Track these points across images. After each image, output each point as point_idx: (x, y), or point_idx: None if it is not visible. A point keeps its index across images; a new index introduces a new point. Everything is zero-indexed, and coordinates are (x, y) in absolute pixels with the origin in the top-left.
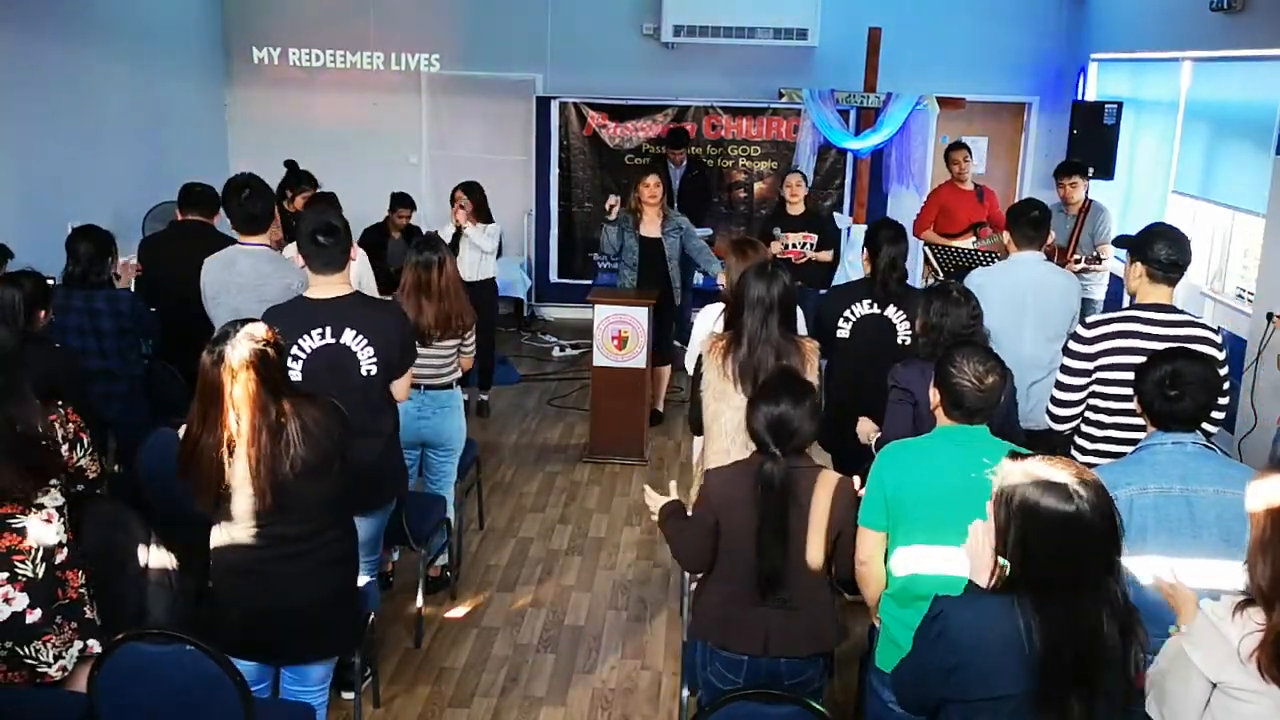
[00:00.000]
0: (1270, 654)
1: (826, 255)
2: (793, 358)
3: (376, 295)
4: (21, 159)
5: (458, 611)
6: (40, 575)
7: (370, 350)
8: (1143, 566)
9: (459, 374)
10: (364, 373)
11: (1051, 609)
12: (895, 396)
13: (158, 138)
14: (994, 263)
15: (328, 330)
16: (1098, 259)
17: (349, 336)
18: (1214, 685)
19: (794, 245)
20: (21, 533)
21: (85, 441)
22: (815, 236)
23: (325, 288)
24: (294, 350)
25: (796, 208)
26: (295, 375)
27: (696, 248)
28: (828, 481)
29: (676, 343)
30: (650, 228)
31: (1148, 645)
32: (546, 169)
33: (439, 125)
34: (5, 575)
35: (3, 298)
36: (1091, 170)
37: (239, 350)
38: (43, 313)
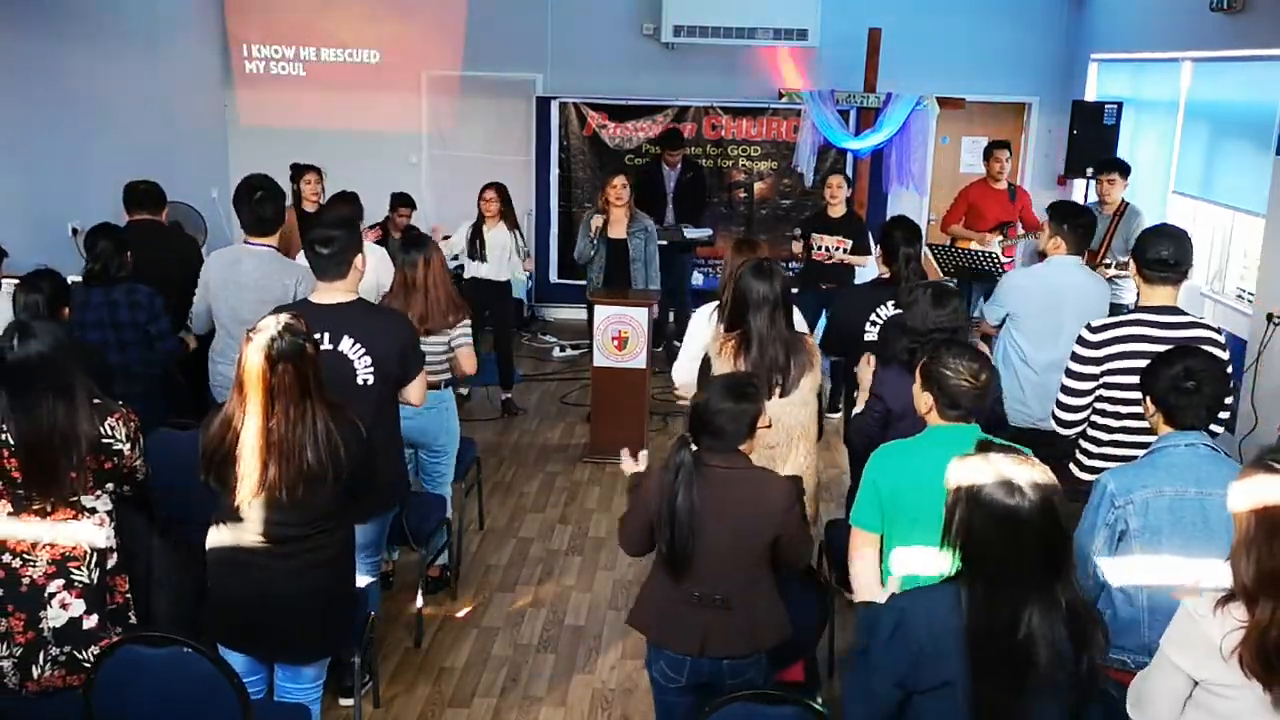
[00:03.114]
0: (1253, 650)
1: (862, 260)
2: (800, 351)
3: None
4: (22, 159)
5: (458, 611)
6: (95, 580)
7: (368, 360)
8: (1157, 567)
9: (448, 375)
10: (360, 382)
11: (981, 598)
12: (869, 402)
13: (158, 138)
14: (998, 267)
15: (326, 337)
16: (1128, 264)
17: (346, 345)
18: (1195, 683)
19: (824, 249)
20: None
21: (142, 441)
22: (849, 242)
23: (328, 294)
24: None
25: (837, 210)
26: None
27: (649, 255)
28: (772, 483)
29: (677, 342)
30: (617, 229)
31: (1105, 651)
32: (546, 169)
33: (439, 125)
34: (62, 581)
35: (27, 302)
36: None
37: (279, 341)
38: (66, 310)
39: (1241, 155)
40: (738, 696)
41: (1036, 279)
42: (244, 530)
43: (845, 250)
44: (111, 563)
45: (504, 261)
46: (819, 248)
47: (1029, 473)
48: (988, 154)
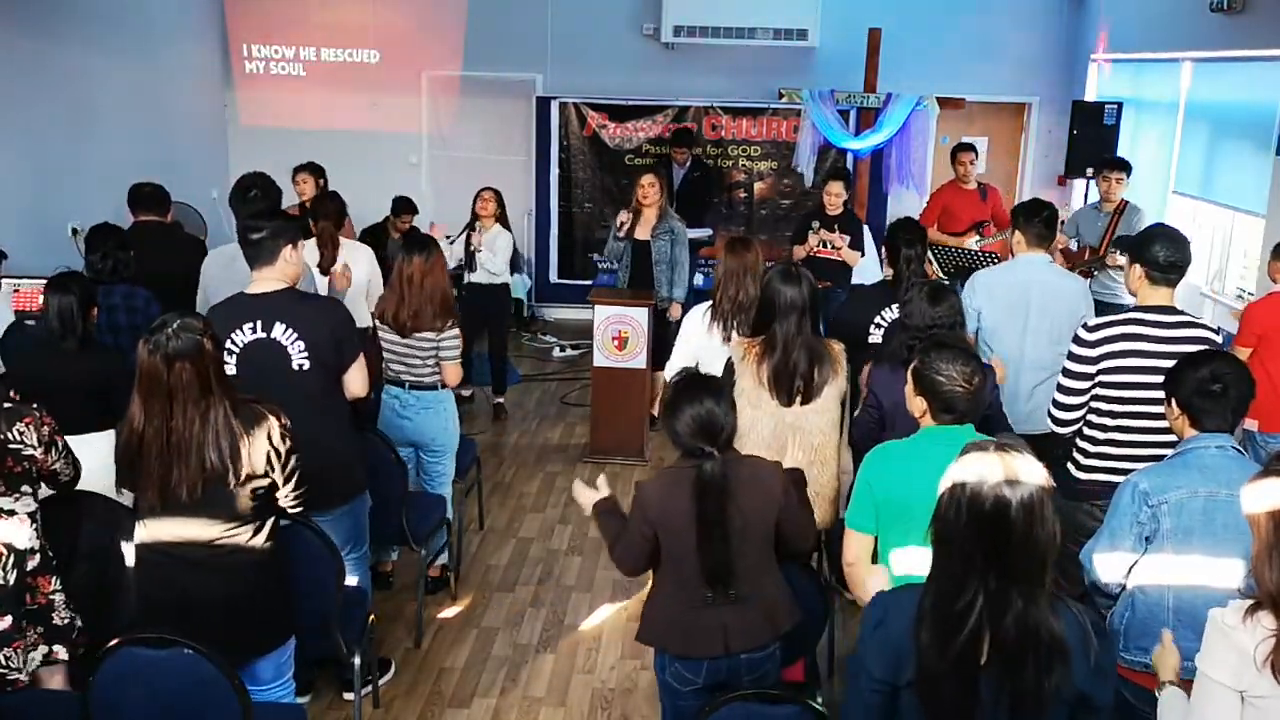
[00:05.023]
0: None
1: (857, 256)
2: (825, 359)
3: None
4: (21, 160)
5: (458, 611)
6: (10, 582)
7: (301, 345)
8: (1185, 568)
9: (439, 376)
10: (295, 367)
11: (931, 595)
12: (866, 402)
13: (158, 138)
14: (995, 264)
15: (259, 325)
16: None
17: (279, 331)
18: (1242, 695)
19: (828, 245)
20: None
21: (60, 444)
22: (848, 237)
23: (261, 283)
24: (228, 345)
25: (835, 210)
26: (230, 370)
27: (675, 258)
28: (765, 468)
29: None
30: (643, 230)
31: (1063, 661)
32: (546, 169)
33: (439, 125)
34: None
35: (61, 305)
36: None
37: (174, 340)
38: (94, 310)
39: (1241, 155)
40: (737, 696)
41: (1001, 276)
42: (158, 532)
43: (844, 244)
44: (33, 564)
45: (504, 262)
46: (825, 244)
47: (1010, 470)
48: (954, 156)
